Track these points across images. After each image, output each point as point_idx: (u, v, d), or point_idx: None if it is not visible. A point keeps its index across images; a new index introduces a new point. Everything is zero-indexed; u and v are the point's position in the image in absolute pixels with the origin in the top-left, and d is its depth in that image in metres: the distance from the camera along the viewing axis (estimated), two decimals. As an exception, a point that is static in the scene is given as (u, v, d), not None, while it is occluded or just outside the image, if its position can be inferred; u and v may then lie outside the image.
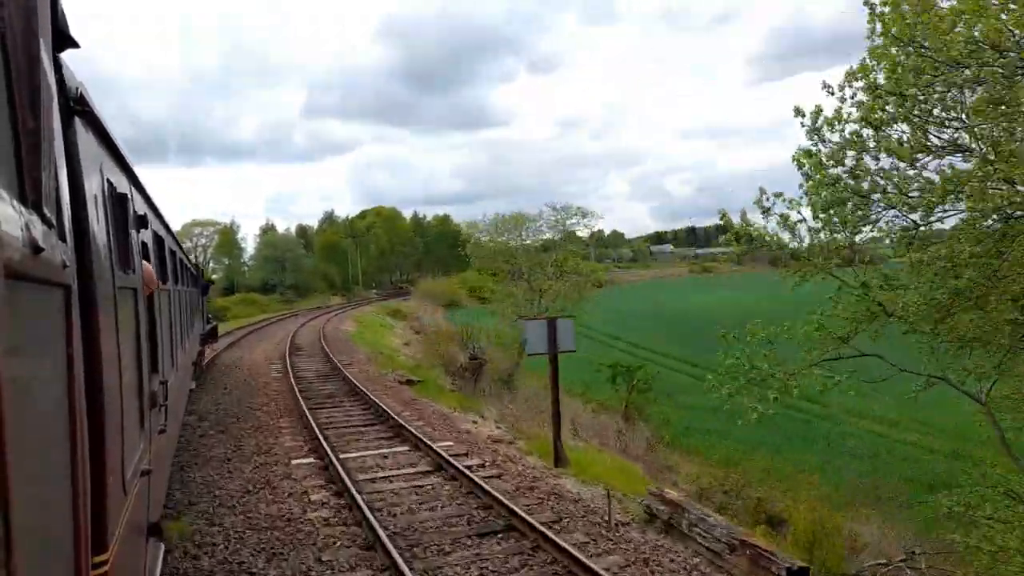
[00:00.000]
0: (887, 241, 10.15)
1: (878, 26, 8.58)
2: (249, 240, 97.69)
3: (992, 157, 7.60)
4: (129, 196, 3.74)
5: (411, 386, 19.45)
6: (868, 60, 8.85)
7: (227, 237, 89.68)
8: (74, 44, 2.16)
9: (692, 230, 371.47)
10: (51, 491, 1.55)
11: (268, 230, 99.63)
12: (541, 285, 25.72)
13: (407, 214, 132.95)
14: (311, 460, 10.75)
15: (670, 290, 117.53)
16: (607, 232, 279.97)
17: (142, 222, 4.29)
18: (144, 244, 4.52)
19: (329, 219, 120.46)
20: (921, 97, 8.20)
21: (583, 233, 27.98)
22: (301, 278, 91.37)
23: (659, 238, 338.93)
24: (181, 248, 10.97)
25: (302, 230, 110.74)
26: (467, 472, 9.42)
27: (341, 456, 10.63)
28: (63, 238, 1.72)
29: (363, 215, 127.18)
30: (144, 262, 4.37)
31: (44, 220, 1.43)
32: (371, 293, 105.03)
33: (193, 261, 18.57)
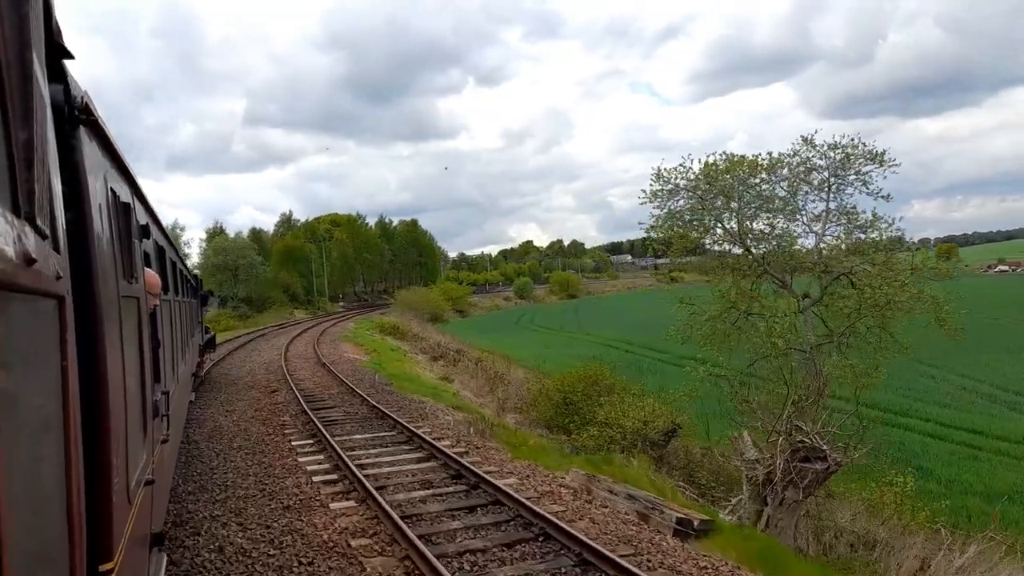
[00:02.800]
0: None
1: None
2: (193, 246, 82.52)
3: None
4: (132, 205, 3.63)
5: (701, 539, 7.64)
6: None
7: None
8: (68, 55, 2.15)
9: (648, 239, 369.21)
10: (43, 502, 1.52)
11: (217, 233, 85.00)
12: (805, 291, 13.86)
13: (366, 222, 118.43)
14: None
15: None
16: (566, 242, 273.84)
17: (145, 232, 4.25)
18: (146, 254, 4.46)
19: (287, 222, 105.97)
20: None
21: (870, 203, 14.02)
22: (257, 289, 77.21)
23: (616, 248, 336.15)
24: (181, 258, 10.58)
25: (256, 234, 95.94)
26: None
27: None
28: (57, 249, 1.71)
29: (318, 221, 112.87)
30: (147, 268, 4.28)
31: (37, 231, 1.42)
32: (338, 306, 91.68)
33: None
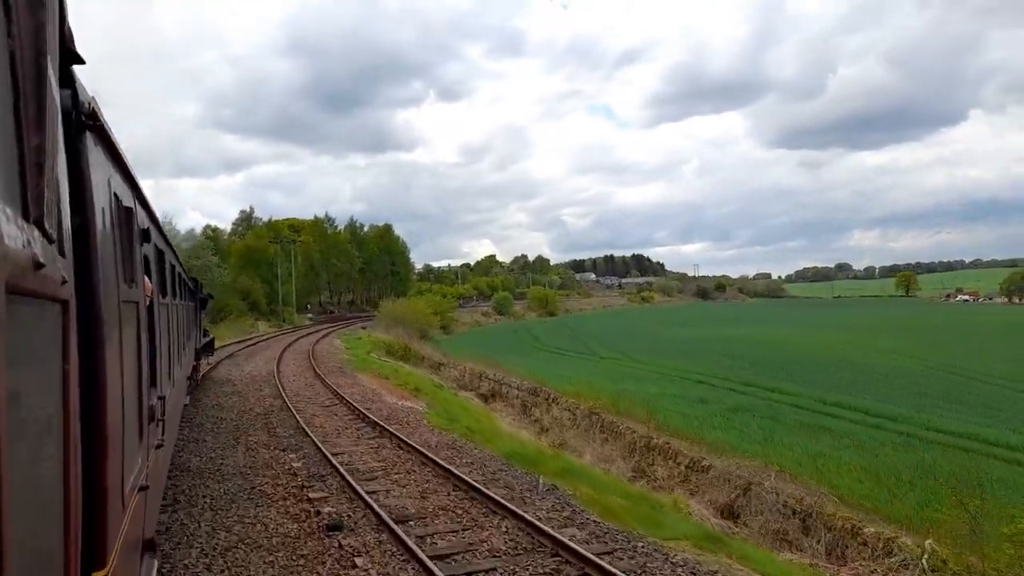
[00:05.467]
0: None
1: None
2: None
3: None
4: (134, 210, 3.66)
5: None
6: None
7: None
8: (79, 60, 2.14)
9: (610, 259, 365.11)
10: (41, 507, 1.47)
11: (165, 226, 71.75)
12: None
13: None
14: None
15: (672, 321, 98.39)
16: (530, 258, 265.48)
17: (145, 236, 4.24)
18: (146, 258, 4.41)
19: (248, 220, 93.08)
20: None
21: None
22: (213, 296, 64.46)
23: (578, 266, 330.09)
24: (180, 261, 10.67)
25: (211, 233, 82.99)
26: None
27: None
28: (63, 253, 1.71)
29: (279, 223, 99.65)
30: (145, 278, 4.22)
31: (46, 236, 1.42)
32: (306, 318, 79.62)
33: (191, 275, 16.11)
